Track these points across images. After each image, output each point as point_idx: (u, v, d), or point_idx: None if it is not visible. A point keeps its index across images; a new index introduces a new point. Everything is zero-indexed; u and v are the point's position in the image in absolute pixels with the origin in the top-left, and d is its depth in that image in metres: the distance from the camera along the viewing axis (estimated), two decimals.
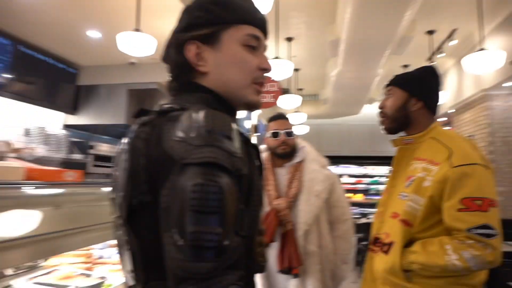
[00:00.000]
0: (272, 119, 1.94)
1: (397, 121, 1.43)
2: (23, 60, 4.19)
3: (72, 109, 5.06)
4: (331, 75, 6.09)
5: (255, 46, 0.72)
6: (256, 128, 6.71)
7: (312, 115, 8.87)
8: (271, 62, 3.74)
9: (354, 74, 5.82)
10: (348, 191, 7.42)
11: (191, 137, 0.54)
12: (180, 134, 0.55)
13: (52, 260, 1.74)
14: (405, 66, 6.82)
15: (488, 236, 1.15)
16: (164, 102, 0.69)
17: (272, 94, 4.18)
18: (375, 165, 10.00)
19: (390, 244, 1.32)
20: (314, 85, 8.34)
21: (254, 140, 6.60)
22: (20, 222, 1.35)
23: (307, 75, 7.50)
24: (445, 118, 7.47)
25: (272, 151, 1.88)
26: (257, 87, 0.73)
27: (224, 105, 0.70)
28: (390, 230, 1.35)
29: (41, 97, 4.53)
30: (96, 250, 1.94)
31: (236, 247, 0.52)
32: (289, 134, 1.85)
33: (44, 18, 3.63)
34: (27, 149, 3.87)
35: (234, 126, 0.59)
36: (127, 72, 4.96)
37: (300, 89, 8.38)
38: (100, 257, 1.90)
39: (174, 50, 0.70)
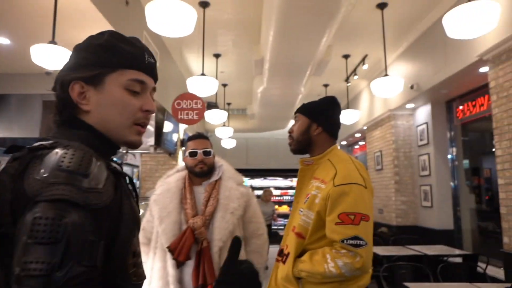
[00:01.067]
0: (191, 138, 1.98)
1: (301, 144, 1.63)
2: None
3: None
4: (257, 91, 6.33)
5: (138, 91, 0.76)
6: (182, 142, 6.67)
7: (241, 129, 9.07)
8: (195, 80, 3.79)
9: (278, 91, 6.12)
10: (274, 203, 7.72)
11: (46, 176, 0.58)
12: (38, 172, 0.59)
13: None
14: (325, 85, 7.36)
15: (357, 246, 1.31)
16: (45, 136, 0.72)
17: (196, 112, 4.23)
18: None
19: (287, 255, 1.49)
20: (242, 99, 8.56)
21: (180, 154, 6.55)
22: None
23: (235, 90, 7.69)
24: (359, 134, 8.17)
25: (190, 170, 1.91)
26: (139, 128, 0.77)
27: (104, 142, 0.75)
28: (289, 242, 1.51)
29: None
30: None
31: (78, 276, 0.55)
32: (207, 153, 1.90)
33: None
34: None
35: (94, 163, 0.63)
36: (42, 82, 4.63)
37: (229, 104, 8.54)
38: None
39: (59, 87, 0.74)
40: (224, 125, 7.61)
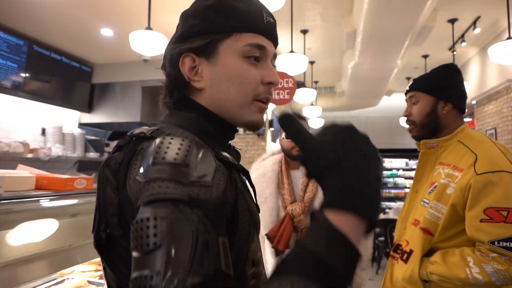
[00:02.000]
0: None
1: (428, 127, 1.37)
2: (38, 60, 4.20)
3: (87, 107, 5.08)
4: (348, 67, 5.93)
5: (258, 57, 0.63)
6: (270, 123, 6.63)
7: (329, 108, 8.72)
8: (284, 58, 3.61)
9: (371, 66, 5.65)
10: None
11: (142, 173, 0.49)
12: (138, 171, 0.50)
13: (65, 269, 1.72)
14: (425, 56, 6.59)
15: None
16: (150, 123, 0.63)
17: (287, 91, 4.08)
18: (392, 158, 9.80)
19: (410, 253, 1.27)
20: (330, 77, 8.18)
21: (268, 135, 6.52)
22: (31, 237, 1.32)
23: (322, 67, 7.35)
24: (466, 110, 7.22)
25: (287, 153, 1.80)
26: (260, 105, 0.64)
27: (219, 125, 0.63)
28: (411, 238, 1.30)
29: (57, 96, 4.55)
30: None
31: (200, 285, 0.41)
32: None
33: (57, 18, 3.62)
34: (43, 149, 3.89)
35: (196, 151, 0.51)
36: (141, 69, 4.94)
37: (316, 82, 8.23)
38: None
39: (169, 63, 0.64)
40: (312, 104, 7.36)
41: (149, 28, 2.78)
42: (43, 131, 4.48)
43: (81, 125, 5.16)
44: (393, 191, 9.52)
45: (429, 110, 1.36)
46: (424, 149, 1.41)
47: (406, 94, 1.46)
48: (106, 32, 3.94)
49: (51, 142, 4.33)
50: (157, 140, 0.51)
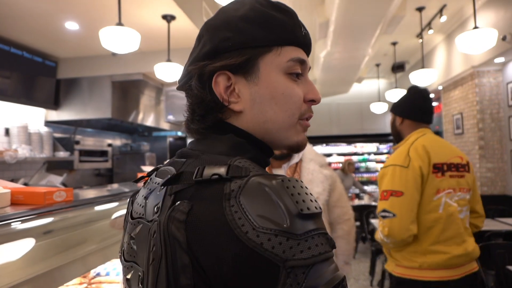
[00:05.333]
0: None
1: (395, 137, 1.96)
2: None
3: (53, 104, 4.82)
4: (320, 56, 5.96)
5: (300, 73, 0.57)
6: None
7: None
8: None
9: (343, 54, 5.70)
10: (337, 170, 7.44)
11: (284, 226, 0.41)
12: (262, 223, 0.41)
13: None
14: (394, 43, 6.73)
15: (384, 217, 1.63)
16: (186, 153, 0.55)
17: None
18: (363, 143, 10.05)
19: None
20: None
21: None
22: (8, 262, 1.24)
23: None
24: (432, 95, 7.47)
25: None
26: (305, 123, 0.59)
27: (263, 151, 0.58)
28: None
29: (19, 94, 4.29)
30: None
31: None
32: None
33: (17, 11, 3.38)
34: (8, 151, 3.68)
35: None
36: (110, 63, 4.73)
37: None
38: (97, 275, 1.81)
39: (198, 83, 0.56)
40: None
41: (120, 23, 2.65)
42: (7, 132, 4.23)
43: (48, 123, 4.91)
44: (365, 175, 9.80)
45: (391, 124, 1.97)
46: None
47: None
48: (71, 25, 3.72)
49: (16, 143, 4.09)
50: (263, 180, 0.44)
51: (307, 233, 0.41)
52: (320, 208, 0.45)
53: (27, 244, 1.30)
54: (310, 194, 0.45)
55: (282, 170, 1.78)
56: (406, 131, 1.85)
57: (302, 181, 0.47)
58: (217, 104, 0.56)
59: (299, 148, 0.60)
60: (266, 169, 1.77)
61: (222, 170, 0.46)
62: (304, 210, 0.42)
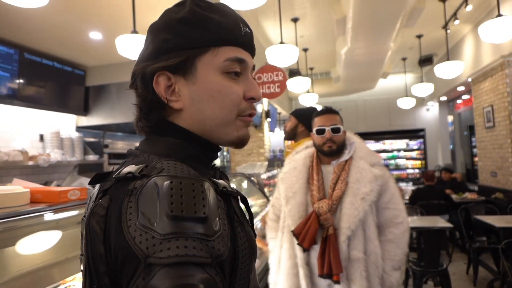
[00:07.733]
0: (318, 114, 1.80)
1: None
2: (30, 67, 4.21)
3: (83, 110, 5.10)
4: (341, 53, 5.90)
5: (239, 72, 0.59)
6: (267, 114, 6.63)
7: (326, 93, 8.69)
8: (274, 50, 3.57)
9: (364, 50, 5.62)
10: None
11: (154, 225, 0.43)
12: (141, 219, 0.44)
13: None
14: (419, 36, 6.54)
15: None
16: (130, 153, 0.59)
17: (277, 84, 4.07)
18: (392, 139, 9.81)
19: None
20: (325, 62, 8.13)
21: (266, 126, 6.52)
22: (31, 251, 1.37)
23: (316, 54, 7.31)
24: (462, 88, 7.18)
25: (318, 148, 1.76)
26: (246, 119, 0.61)
27: (204, 147, 0.60)
28: None
29: (52, 102, 4.58)
30: None
31: None
32: (336, 130, 1.71)
33: (45, 24, 3.62)
34: (42, 155, 3.94)
35: (207, 193, 0.47)
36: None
37: (311, 68, 8.19)
38: None
39: (141, 83, 0.59)
40: (308, 92, 7.33)
41: (134, 31, 2.78)
42: (41, 137, 4.52)
43: (79, 129, 5.19)
44: (395, 172, 9.56)
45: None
46: None
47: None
48: (95, 35, 3.93)
49: (49, 147, 4.37)
50: (158, 180, 0.47)
51: (171, 234, 0.42)
52: (205, 214, 0.45)
53: (45, 235, 1.42)
54: (204, 199, 0.46)
55: (332, 167, 1.74)
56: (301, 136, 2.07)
57: (203, 185, 0.48)
58: (159, 102, 0.59)
59: (241, 142, 0.62)
60: (314, 164, 1.84)
61: (135, 169, 0.50)
62: (175, 212, 0.44)
